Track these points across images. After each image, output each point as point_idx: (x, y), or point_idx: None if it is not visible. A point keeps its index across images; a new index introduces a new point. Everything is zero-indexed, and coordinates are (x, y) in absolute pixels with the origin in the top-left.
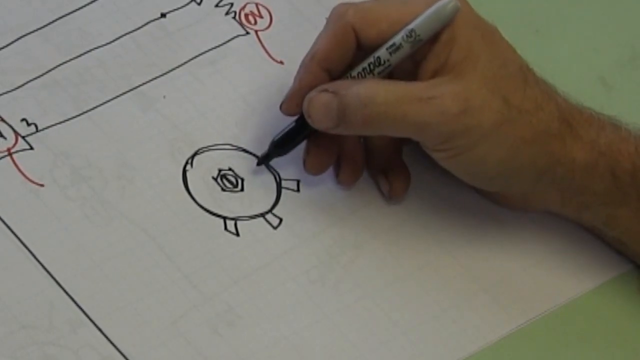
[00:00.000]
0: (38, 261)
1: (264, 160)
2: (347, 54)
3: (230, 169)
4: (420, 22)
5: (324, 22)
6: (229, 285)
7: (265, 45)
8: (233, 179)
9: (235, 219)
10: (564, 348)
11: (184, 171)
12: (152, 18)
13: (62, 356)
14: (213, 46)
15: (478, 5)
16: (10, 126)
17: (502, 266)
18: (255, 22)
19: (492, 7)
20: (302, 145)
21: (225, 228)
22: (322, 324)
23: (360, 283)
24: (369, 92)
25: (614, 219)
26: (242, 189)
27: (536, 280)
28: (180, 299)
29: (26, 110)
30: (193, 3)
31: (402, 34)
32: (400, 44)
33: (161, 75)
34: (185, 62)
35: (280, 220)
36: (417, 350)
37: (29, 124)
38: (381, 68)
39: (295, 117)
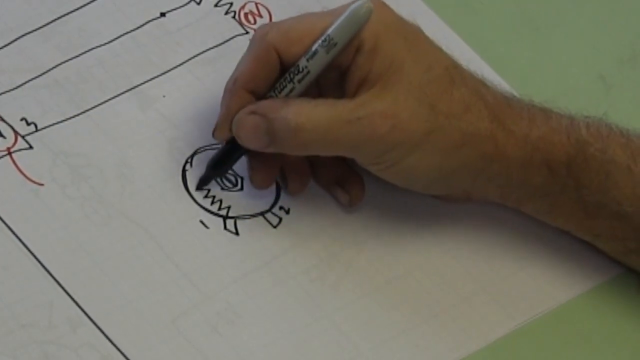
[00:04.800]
0: (38, 260)
1: (202, 184)
2: (270, 74)
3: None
4: (335, 27)
5: None
6: (229, 284)
7: None
8: (232, 178)
9: (234, 218)
10: (564, 348)
11: (184, 170)
12: (151, 17)
13: (62, 355)
14: (212, 45)
15: (479, 3)
16: (10, 125)
17: (502, 266)
18: (255, 22)
19: (493, 5)
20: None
21: (225, 227)
22: (322, 323)
23: (360, 282)
24: (297, 118)
25: (556, 209)
26: (241, 188)
27: (536, 279)
28: (179, 297)
29: (26, 109)
30: (192, 2)
31: (319, 40)
32: (316, 49)
33: (161, 75)
34: (185, 62)
35: (280, 219)
36: (417, 350)
37: (28, 123)
38: (300, 76)
39: None
